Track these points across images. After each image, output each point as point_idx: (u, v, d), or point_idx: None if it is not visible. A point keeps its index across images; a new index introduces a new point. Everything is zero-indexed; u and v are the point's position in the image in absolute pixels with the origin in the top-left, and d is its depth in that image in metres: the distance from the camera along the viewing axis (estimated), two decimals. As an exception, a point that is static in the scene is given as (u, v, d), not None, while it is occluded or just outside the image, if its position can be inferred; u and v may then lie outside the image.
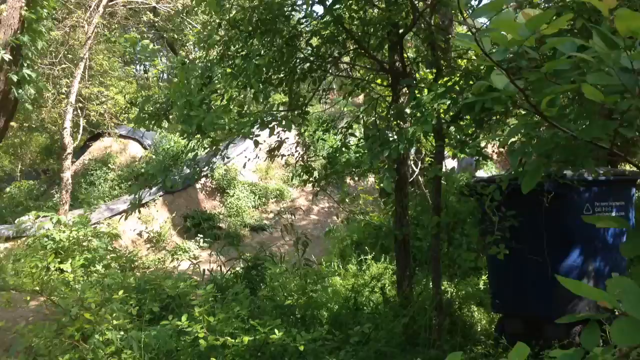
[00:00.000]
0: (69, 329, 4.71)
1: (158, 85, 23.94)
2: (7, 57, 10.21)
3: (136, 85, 20.95)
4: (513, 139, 2.64)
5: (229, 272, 7.98)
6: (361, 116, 7.50)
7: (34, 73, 10.89)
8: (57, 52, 14.73)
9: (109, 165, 16.69)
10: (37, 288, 5.11)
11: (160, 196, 14.17)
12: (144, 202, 13.60)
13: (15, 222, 11.37)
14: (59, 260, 7.77)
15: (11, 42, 10.31)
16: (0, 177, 19.23)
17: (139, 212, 13.31)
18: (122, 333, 4.84)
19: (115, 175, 16.38)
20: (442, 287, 5.83)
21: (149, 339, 4.81)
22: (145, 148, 17.45)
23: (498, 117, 4.89)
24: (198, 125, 5.39)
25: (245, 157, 13.92)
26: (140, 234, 13.07)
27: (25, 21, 10.53)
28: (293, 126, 6.00)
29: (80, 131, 15.44)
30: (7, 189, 16.89)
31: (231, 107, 6.21)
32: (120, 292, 5.25)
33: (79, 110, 14.98)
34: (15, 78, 10.33)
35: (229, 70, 5.98)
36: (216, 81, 6.13)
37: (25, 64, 10.69)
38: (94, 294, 4.94)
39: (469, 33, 1.59)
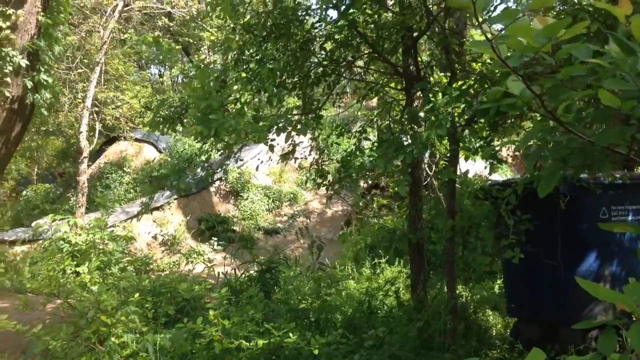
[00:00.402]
0: (86, 332, 4.74)
1: (173, 89, 24.10)
2: (24, 62, 10.33)
3: (151, 89, 21.09)
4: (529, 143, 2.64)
5: (243, 275, 8.01)
6: (375, 120, 7.50)
7: (50, 78, 11.01)
8: (73, 57, 14.86)
9: (125, 168, 16.82)
10: (54, 291, 5.16)
11: (174, 199, 14.26)
12: (159, 205, 13.72)
13: (32, 225, 11.50)
14: (75, 263, 7.83)
15: (28, 47, 10.43)
16: (17, 180, 19.41)
17: (151, 213, 13.42)
18: (137, 336, 4.87)
19: (131, 178, 16.51)
20: (457, 291, 5.81)
21: (165, 341, 4.83)
22: (160, 151, 17.57)
23: (513, 120, 4.87)
24: (216, 128, 5.42)
25: (259, 159, 13.99)
26: (155, 237, 13.16)
27: (42, 26, 10.66)
28: (307, 130, 6.02)
29: (96, 135, 15.56)
30: (24, 192, 17.06)
31: (246, 111, 6.24)
32: (136, 295, 5.29)
33: (94, 114, 15.10)
34: (30, 84, 10.46)
35: (243, 74, 6.01)
36: (234, 86, 6.17)
37: (42, 69, 10.81)
38: (110, 297, 4.97)
39: (484, 38, 1.59)
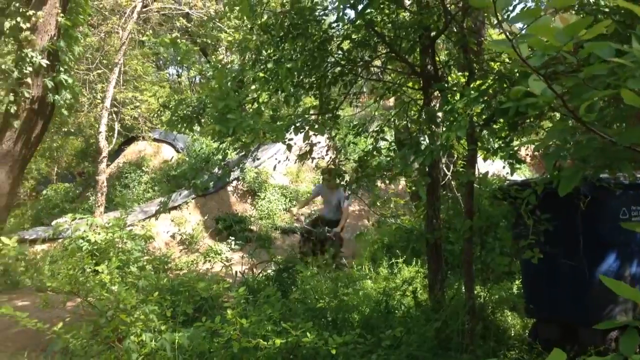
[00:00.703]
0: (105, 330, 4.78)
1: (191, 89, 24.26)
2: (45, 62, 10.46)
3: (169, 89, 21.25)
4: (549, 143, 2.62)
5: (260, 275, 8.03)
6: (392, 119, 7.48)
7: (70, 78, 11.14)
8: (92, 57, 15.03)
9: (143, 168, 16.96)
10: (74, 289, 5.20)
11: (192, 199, 14.34)
12: (176, 204, 13.81)
13: (52, 224, 11.62)
14: (94, 262, 7.91)
15: (48, 47, 10.56)
16: (37, 179, 19.65)
17: (169, 213, 13.52)
18: (156, 334, 4.90)
19: (149, 178, 16.64)
20: (475, 292, 5.78)
21: (183, 340, 4.86)
22: (178, 151, 17.70)
23: (532, 120, 4.84)
24: (234, 127, 5.45)
25: (276, 159, 14.02)
26: (173, 236, 13.24)
27: (62, 27, 10.78)
28: (324, 130, 6.03)
29: (115, 135, 15.73)
30: (44, 192, 17.27)
31: (264, 111, 6.26)
32: (155, 294, 5.32)
33: (114, 115, 15.26)
34: (50, 84, 10.58)
35: (261, 74, 6.03)
36: (252, 86, 6.19)
37: (62, 70, 10.94)
38: (130, 296, 5.01)
39: (503, 37, 1.59)
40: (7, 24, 10.27)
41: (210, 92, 6.27)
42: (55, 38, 10.86)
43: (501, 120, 4.62)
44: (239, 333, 4.79)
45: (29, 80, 10.50)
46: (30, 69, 10.39)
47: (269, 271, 8.15)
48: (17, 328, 6.31)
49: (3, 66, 10.30)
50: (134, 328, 4.84)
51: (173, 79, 26.12)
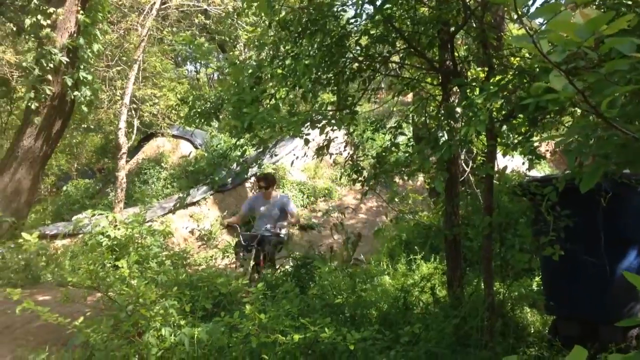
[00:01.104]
0: (125, 325, 4.84)
1: (209, 85, 24.37)
2: (65, 59, 10.59)
3: (188, 86, 21.37)
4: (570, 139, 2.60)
5: (278, 271, 8.06)
6: (410, 115, 7.46)
7: (90, 75, 11.26)
8: (112, 54, 15.14)
9: (162, 164, 17.08)
10: (94, 284, 5.26)
11: (210, 195, 14.42)
12: (195, 200, 13.90)
13: (73, 219, 11.76)
14: (114, 257, 7.99)
15: (68, 44, 10.68)
16: (58, 175, 19.88)
17: (188, 209, 13.60)
18: (175, 329, 4.95)
19: (168, 174, 16.75)
20: (494, 288, 5.75)
21: (202, 335, 4.90)
22: (196, 147, 17.79)
23: (552, 115, 4.79)
24: (250, 122, 5.47)
25: (294, 155, 14.05)
26: (192, 232, 13.33)
27: (81, 25, 10.89)
28: (342, 125, 6.02)
29: (135, 131, 15.84)
30: (64, 188, 17.47)
31: (281, 106, 6.27)
32: (174, 289, 5.37)
33: (133, 111, 15.37)
34: (70, 81, 10.70)
35: (279, 71, 6.03)
36: (269, 82, 6.21)
37: (82, 67, 11.06)
38: (149, 291, 5.05)
39: (523, 33, 1.58)
40: (27, 21, 10.41)
41: (227, 88, 6.30)
42: (75, 35, 10.97)
43: (521, 115, 4.59)
44: (258, 328, 4.82)
45: (49, 77, 10.62)
46: (51, 66, 10.51)
47: (287, 267, 8.17)
48: (38, 322, 6.43)
49: (24, 64, 10.43)
50: (153, 322, 4.88)
51: (191, 76, 26.26)
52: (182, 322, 5.05)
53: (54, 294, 7.74)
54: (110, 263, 6.55)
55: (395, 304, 6.55)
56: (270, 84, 6.25)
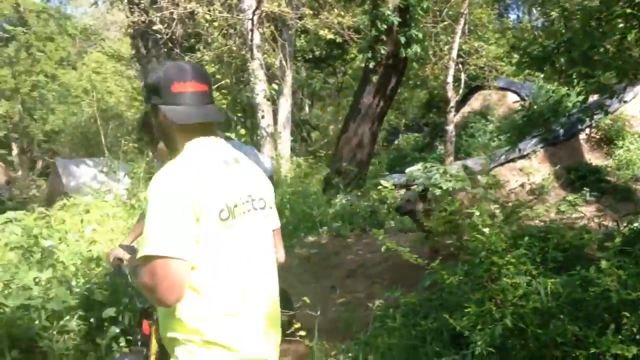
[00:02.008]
0: (481, 271, 4.94)
1: (532, 34, 23.27)
2: (397, 19, 11.09)
3: (512, 36, 20.78)
4: None
5: (625, 228, 7.39)
6: None
7: (420, 32, 11.63)
8: (440, 10, 15.40)
9: (488, 117, 16.96)
10: (446, 230, 5.48)
11: (541, 147, 13.89)
12: (524, 153, 13.53)
13: (406, 171, 12.44)
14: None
15: (400, 3, 11.16)
16: (388, 130, 21.22)
17: (517, 162, 13.33)
18: (529, 278, 4.89)
19: (494, 127, 16.58)
20: None
21: (557, 286, 4.75)
22: (523, 99, 17.23)
23: None
24: (598, 68, 5.06)
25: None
26: (522, 186, 13.04)
27: (413, -17, 11.25)
28: None
29: (462, 85, 15.99)
30: (395, 142, 18.56)
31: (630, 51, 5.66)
32: (525, 239, 5.29)
33: (460, 65, 15.50)
34: (403, 39, 11.18)
35: (628, 10, 5.42)
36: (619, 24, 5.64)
37: (413, 24, 11.48)
38: (499, 239, 5.06)
39: None
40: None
41: (567, 32, 5.90)
42: (409, -5, 11.39)
43: None
44: (617, 284, 4.50)
45: (383, 37, 11.29)
46: (385, 26, 11.16)
47: (636, 225, 7.44)
48: (388, 263, 7.00)
49: (361, 26, 11.24)
50: (506, 270, 4.89)
51: (514, 25, 25.40)
52: (535, 272, 4.97)
53: (396, 238, 8.29)
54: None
55: None
56: (620, 25, 5.68)
